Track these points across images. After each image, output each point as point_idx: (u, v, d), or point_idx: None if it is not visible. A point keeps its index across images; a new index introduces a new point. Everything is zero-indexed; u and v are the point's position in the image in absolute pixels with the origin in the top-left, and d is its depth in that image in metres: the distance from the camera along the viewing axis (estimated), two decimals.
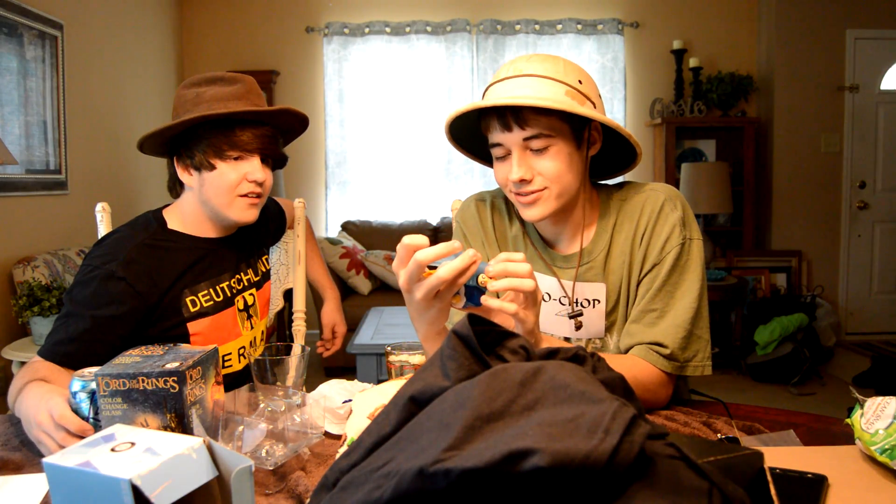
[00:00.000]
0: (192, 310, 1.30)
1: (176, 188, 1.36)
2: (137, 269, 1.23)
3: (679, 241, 1.13)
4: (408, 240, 0.89)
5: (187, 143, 1.28)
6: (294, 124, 1.39)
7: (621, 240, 1.18)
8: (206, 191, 1.29)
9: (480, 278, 0.91)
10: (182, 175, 1.31)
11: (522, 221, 1.27)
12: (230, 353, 1.37)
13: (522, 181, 1.09)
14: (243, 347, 1.41)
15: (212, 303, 1.33)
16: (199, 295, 1.31)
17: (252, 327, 1.43)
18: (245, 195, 1.29)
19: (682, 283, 1.13)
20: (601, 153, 1.20)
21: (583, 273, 1.20)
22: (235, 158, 1.27)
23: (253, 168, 1.28)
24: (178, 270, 1.29)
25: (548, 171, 1.10)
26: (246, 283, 1.42)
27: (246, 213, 1.31)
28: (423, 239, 0.89)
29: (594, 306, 1.19)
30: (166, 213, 1.36)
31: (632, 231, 1.17)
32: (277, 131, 1.33)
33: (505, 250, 1.28)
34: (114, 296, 1.20)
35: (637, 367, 1.09)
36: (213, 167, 1.26)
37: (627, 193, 1.20)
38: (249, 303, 1.42)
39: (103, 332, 1.19)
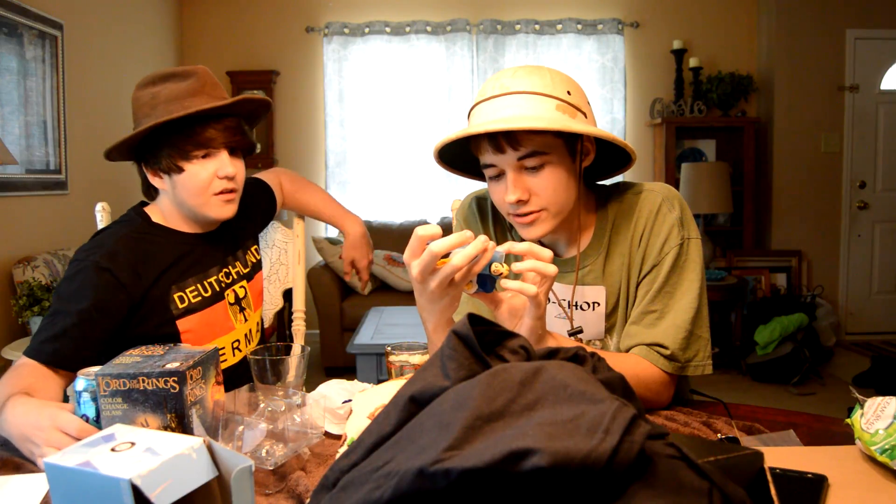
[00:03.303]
0: (181, 306, 1.29)
1: (150, 192, 1.35)
2: (121, 261, 1.22)
3: (678, 241, 1.13)
4: (421, 231, 0.90)
5: (151, 148, 1.26)
6: (255, 109, 1.36)
7: (619, 241, 1.18)
8: (179, 193, 1.27)
9: (494, 266, 0.92)
10: (153, 180, 1.29)
11: None
12: (223, 348, 1.37)
13: (519, 202, 1.08)
14: (237, 341, 1.40)
15: (200, 298, 1.32)
16: (187, 291, 1.31)
17: (246, 320, 1.42)
18: (219, 193, 1.28)
19: (681, 283, 1.13)
20: (596, 155, 1.19)
21: (582, 276, 1.19)
22: (203, 157, 1.25)
23: (222, 163, 1.26)
24: (162, 264, 1.28)
25: (544, 190, 1.08)
26: (235, 276, 1.41)
27: (223, 210, 1.30)
28: (436, 229, 0.90)
29: (594, 309, 1.19)
30: (149, 209, 1.35)
31: (630, 232, 1.16)
32: (240, 120, 1.31)
33: None
34: (98, 288, 1.19)
35: (639, 367, 1.09)
36: (181, 169, 1.25)
37: (624, 195, 1.19)
38: (241, 295, 1.41)
39: (89, 326, 1.18)
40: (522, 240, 1.25)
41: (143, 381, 0.87)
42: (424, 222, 4.83)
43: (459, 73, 4.90)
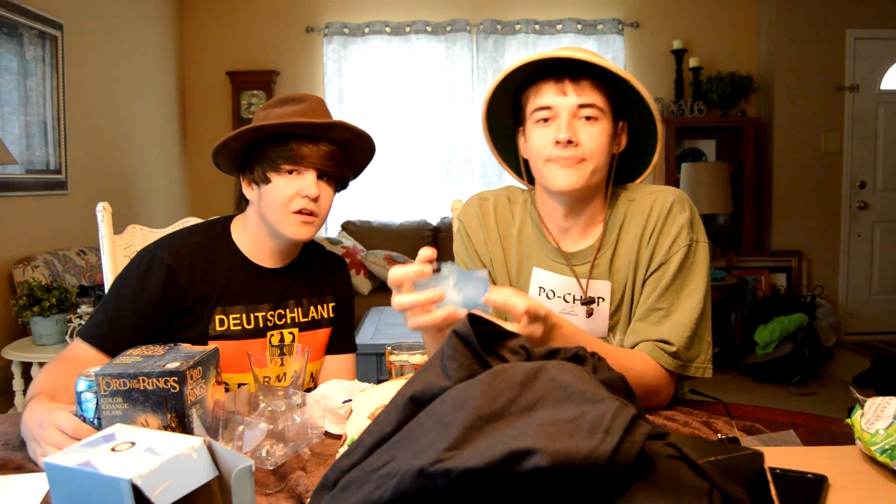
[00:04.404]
0: (219, 329, 1.28)
1: (242, 204, 1.36)
2: (183, 263, 1.25)
3: (686, 242, 1.14)
4: (392, 275, 0.89)
5: (251, 157, 1.29)
6: (358, 144, 1.33)
7: (628, 239, 1.19)
8: (263, 205, 1.28)
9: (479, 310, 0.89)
10: (245, 190, 1.31)
11: (525, 220, 1.27)
12: (246, 383, 1.32)
13: (570, 142, 1.10)
14: (266, 377, 1.35)
15: (240, 328, 1.30)
16: (230, 316, 1.29)
17: (283, 364, 1.36)
18: (299, 212, 1.26)
19: (687, 283, 1.14)
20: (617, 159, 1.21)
21: (588, 270, 1.20)
22: (290, 172, 1.25)
23: (307, 183, 1.25)
24: (219, 281, 1.29)
25: (592, 142, 1.12)
26: (288, 321, 1.37)
27: (300, 231, 1.27)
28: (404, 272, 0.89)
29: (598, 304, 1.20)
30: (234, 224, 1.36)
31: (640, 231, 1.18)
32: (338, 149, 1.30)
33: (507, 249, 1.27)
34: (156, 281, 1.22)
35: (643, 364, 1.10)
36: (268, 180, 1.25)
37: (635, 194, 1.21)
38: (287, 341, 1.37)
39: (140, 315, 1.21)
40: (522, 234, 1.25)
41: (144, 381, 0.87)
42: (424, 222, 4.83)
43: (459, 73, 4.90)
